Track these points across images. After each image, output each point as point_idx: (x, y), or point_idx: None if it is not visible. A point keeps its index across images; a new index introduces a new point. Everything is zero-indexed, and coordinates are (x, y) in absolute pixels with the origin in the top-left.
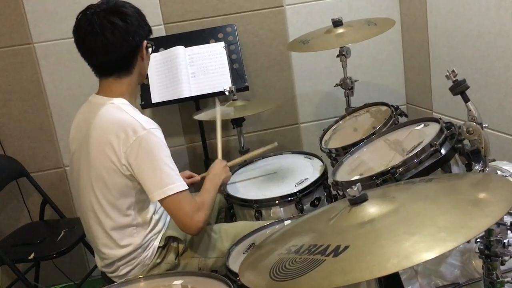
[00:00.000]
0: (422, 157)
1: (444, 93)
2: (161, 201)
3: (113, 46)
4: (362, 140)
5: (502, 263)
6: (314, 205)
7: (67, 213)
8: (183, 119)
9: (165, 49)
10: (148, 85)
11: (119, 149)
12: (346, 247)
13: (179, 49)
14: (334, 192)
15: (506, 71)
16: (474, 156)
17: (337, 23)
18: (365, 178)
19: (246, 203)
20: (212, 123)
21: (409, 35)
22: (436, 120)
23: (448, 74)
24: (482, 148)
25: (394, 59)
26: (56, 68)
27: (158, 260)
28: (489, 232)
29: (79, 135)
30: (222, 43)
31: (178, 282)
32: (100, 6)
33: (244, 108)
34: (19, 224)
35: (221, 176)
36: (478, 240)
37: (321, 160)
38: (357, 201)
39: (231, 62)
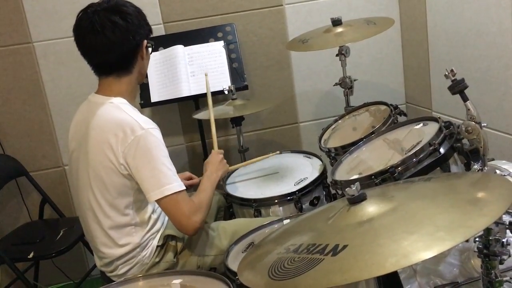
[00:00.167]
0: (421, 156)
1: (444, 92)
2: (158, 201)
3: (114, 45)
4: (361, 139)
5: (501, 262)
6: (313, 204)
7: (66, 212)
8: (183, 118)
9: (165, 48)
10: (147, 84)
11: (117, 148)
12: (344, 246)
13: (179, 48)
14: (333, 191)
15: (505, 70)
16: (473, 155)
17: (336, 22)
18: (364, 177)
19: (245, 202)
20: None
21: (409, 35)
22: (435, 120)
23: (447, 73)
24: (481, 147)
25: (394, 59)
26: (56, 67)
27: (157, 259)
28: (487, 231)
29: (78, 134)
30: (222, 42)
31: (177, 281)
32: (101, 5)
33: (244, 107)
34: (18, 223)
35: (218, 171)
36: (477, 239)
37: (320, 159)
38: (356, 200)
39: (230, 61)
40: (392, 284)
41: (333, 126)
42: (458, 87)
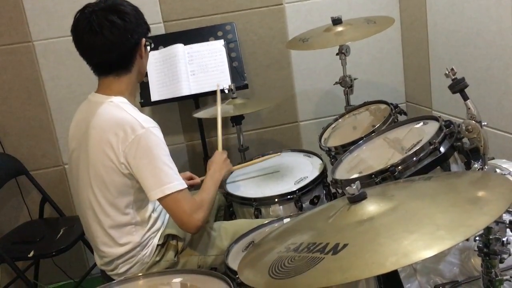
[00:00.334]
0: (421, 155)
1: (444, 91)
2: (160, 200)
3: (112, 45)
4: (361, 138)
5: (501, 261)
6: (313, 203)
7: (66, 211)
8: (183, 117)
9: (165, 47)
10: (147, 83)
11: (117, 147)
12: (345, 245)
13: (179, 47)
14: (333, 190)
15: (505, 69)
16: (473, 154)
17: (336, 21)
18: (364, 176)
19: (246, 201)
20: (212, 121)
21: (409, 34)
22: (435, 119)
23: (447, 72)
24: (481, 146)
25: (394, 58)
26: (56, 66)
27: (157, 258)
28: (488, 230)
29: (78, 134)
30: (222, 41)
31: (177, 280)
32: (98, 5)
33: (244, 106)
34: (18, 222)
35: (221, 171)
36: (477, 238)
37: (321, 158)
38: (356, 199)
39: (230, 60)
40: (392, 283)
41: (333, 125)
42: (458, 86)
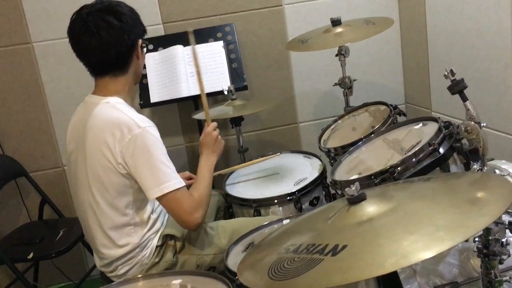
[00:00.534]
0: (420, 156)
1: (443, 93)
2: (158, 198)
3: (109, 45)
4: (360, 140)
5: (501, 262)
6: (313, 204)
7: (66, 213)
8: (182, 118)
9: (164, 48)
10: (147, 85)
11: (114, 147)
12: (344, 246)
13: (178, 48)
14: (333, 192)
15: (504, 70)
16: (473, 155)
17: (335, 22)
18: (364, 177)
19: (245, 203)
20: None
21: (408, 35)
22: (435, 120)
23: (446, 73)
24: (480, 147)
25: (393, 59)
26: (55, 67)
27: (157, 259)
28: (487, 231)
29: (75, 135)
30: (221, 43)
31: (176, 281)
32: (94, 6)
33: (243, 107)
34: (18, 224)
35: (215, 152)
36: (477, 239)
37: (320, 160)
38: (356, 200)
39: (230, 61)
40: (391, 284)
41: (332, 126)
42: (457, 87)
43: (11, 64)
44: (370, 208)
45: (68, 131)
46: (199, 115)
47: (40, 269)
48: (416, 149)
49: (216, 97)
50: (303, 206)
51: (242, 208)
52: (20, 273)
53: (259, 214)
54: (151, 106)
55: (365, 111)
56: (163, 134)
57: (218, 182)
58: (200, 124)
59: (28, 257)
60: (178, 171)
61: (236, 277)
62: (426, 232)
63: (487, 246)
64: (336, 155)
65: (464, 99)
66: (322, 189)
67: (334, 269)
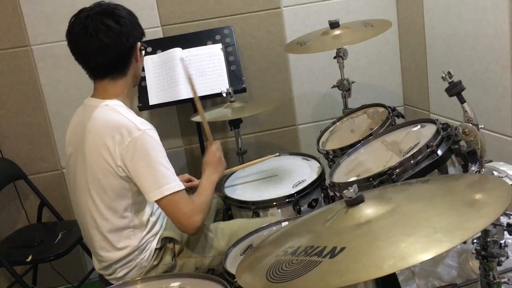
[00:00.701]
0: (418, 158)
1: (441, 94)
2: (158, 201)
3: (108, 48)
4: (359, 141)
5: (499, 264)
6: (311, 206)
7: (64, 215)
8: (181, 121)
9: (163, 51)
10: (145, 87)
11: (114, 150)
12: (342, 249)
13: (177, 51)
14: (331, 194)
15: (502, 72)
16: (471, 157)
17: (334, 24)
18: (362, 179)
19: (244, 205)
20: (211, 124)
21: (406, 37)
22: (433, 121)
23: (444, 75)
24: (478, 149)
25: (391, 61)
26: (54, 70)
27: (155, 262)
28: (485, 233)
29: (74, 138)
30: (220, 45)
31: (175, 284)
32: (93, 9)
33: (242, 109)
34: (16, 227)
35: (217, 171)
36: (475, 241)
37: (319, 162)
38: (354, 202)
39: (228, 63)
40: (390, 286)
41: (331, 128)
42: (455, 89)
43: (10, 67)
44: (368, 210)
45: (67, 134)
46: (198, 118)
47: (39, 272)
48: (414, 151)
49: (214, 99)
50: (302, 208)
51: (241, 210)
52: (19, 276)
53: (258, 216)
54: (149, 108)
55: (364, 113)
56: (162, 136)
57: (217, 184)
58: (199, 127)
59: (27, 260)
60: (177, 173)
61: (235, 280)
62: (424, 234)
63: (485, 248)
64: (334, 157)
65: (462, 101)
66: (320, 191)
67: (332, 271)
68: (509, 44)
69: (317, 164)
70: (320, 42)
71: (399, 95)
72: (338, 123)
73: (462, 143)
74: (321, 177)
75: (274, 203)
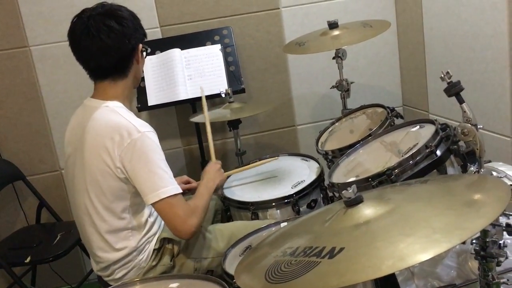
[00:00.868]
0: (417, 158)
1: (440, 95)
2: (154, 204)
3: (109, 49)
4: (358, 142)
5: (498, 264)
6: (310, 207)
7: (63, 217)
8: (180, 121)
9: (162, 51)
10: (144, 88)
11: (113, 152)
12: (341, 249)
13: (176, 51)
14: (330, 194)
15: (501, 72)
16: (469, 157)
17: (332, 25)
18: (361, 179)
19: (243, 205)
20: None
21: (405, 37)
22: (432, 122)
23: (442, 75)
24: (477, 149)
25: (390, 61)
26: (52, 71)
27: (154, 263)
28: (484, 233)
29: (74, 139)
30: (219, 46)
31: (174, 285)
32: (95, 10)
33: (241, 110)
34: (15, 228)
35: (215, 180)
36: (474, 241)
37: (318, 162)
38: (353, 202)
39: (227, 64)
40: (389, 286)
41: (330, 129)
42: (454, 89)
43: (9, 67)
44: (367, 210)
45: (66, 135)
46: (197, 118)
47: (37, 273)
48: (413, 152)
49: (213, 100)
50: (301, 209)
51: (240, 211)
52: (17, 277)
53: (257, 217)
54: (148, 109)
55: (363, 113)
56: (161, 137)
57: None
58: (198, 128)
59: (26, 261)
60: (176, 174)
61: (234, 280)
62: (423, 234)
63: (484, 248)
64: (333, 157)
65: (461, 101)
66: (320, 192)
67: (331, 271)
68: (507, 44)
69: (316, 165)
70: (319, 42)
71: (398, 96)
72: (337, 124)
73: (461, 143)
74: (320, 177)
75: (273, 204)
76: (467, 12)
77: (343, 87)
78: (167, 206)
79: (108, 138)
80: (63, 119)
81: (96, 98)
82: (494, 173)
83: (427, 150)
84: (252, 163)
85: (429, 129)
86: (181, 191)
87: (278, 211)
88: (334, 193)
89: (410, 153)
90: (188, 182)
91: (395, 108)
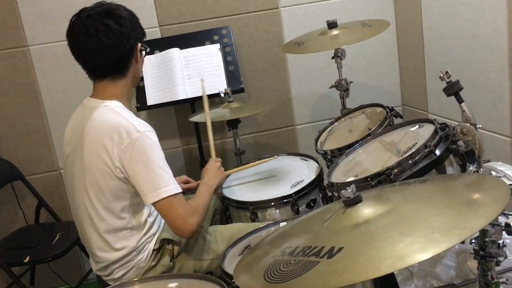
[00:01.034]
0: (416, 158)
1: (439, 94)
2: (154, 203)
3: (108, 49)
4: (357, 142)
5: (497, 264)
6: (309, 206)
7: (62, 216)
8: (179, 121)
9: (161, 51)
10: (143, 88)
11: (113, 151)
12: (340, 249)
13: (175, 51)
14: (329, 194)
15: (500, 72)
16: (469, 157)
17: (332, 25)
18: (360, 179)
19: (242, 205)
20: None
21: (404, 37)
22: (431, 121)
23: (442, 75)
24: (476, 149)
25: (389, 61)
26: (51, 70)
27: (153, 263)
28: (483, 232)
29: (73, 139)
30: (218, 45)
31: (173, 284)
32: (94, 9)
33: (240, 110)
34: (14, 228)
35: (216, 178)
36: (473, 240)
37: (317, 162)
38: (352, 202)
39: (226, 64)
40: (389, 286)
41: (329, 129)
42: (453, 89)
43: (7, 67)
44: (366, 210)
45: (66, 134)
46: (196, 118)
47: (36, 273)
48: (413, 151)
49: (213, 99)
50: (300, 209)
51: (239, 210)
52: (16, 277)
53: (256, 217)
54: (147, 109)
55: (362, 113)
56: (160, 137)
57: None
58: (197, 127)
59: (25, 261)
60: (175, 174)
61: (233, 280)
62: (422, 234)
63: (483, 247)
64: (332, 157)
65: (460, 101)
66: (319, 192)
67: (330, 271)
68: (506, 44)
69: (315, 165)
70: (318, 42)
71: (397, 95)
72: (336, 123)
73: (460, 143)
74: (319, 177)
75: (272, 204)
76: (466, 11)
77: (342, 86)
78: (167, 205)
79: (107, 138)
80: (62, 119)
81: (95, 98)
82: (493, 173)
83: (426, 150)
84: (251, 162)
85: (428, 129)
86: (181, 190)
87: (277, 210)
88: (333, 192)
89: (409, 152)
90: (187, 182)
91: (394, 108)
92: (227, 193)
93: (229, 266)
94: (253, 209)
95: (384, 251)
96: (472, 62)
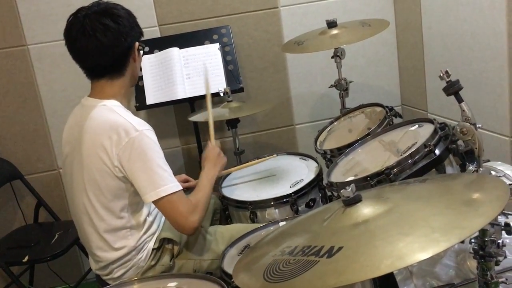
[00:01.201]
0: (416, 157)
1: (439, 94)
2: (155, 202)
3: (106, 48)
4: (357, 141)
5: (497, 264)
6: (309, 206)
7: (61, 216)
8: (178, 120)
9: (160, 50)
10: (142, 87)
11: (111, 151)
12: (340, 248)
13: (174, 50)
14: (329, 193)
15: (499, 71)
16: (468, 157)
17: (331, 24)
18: (360, 179)
19: (241, 205)
20: (207, 124)
21: (404, 36)
22: (430, 121)
23: (441, 74)
24: (476, 148)
25: (389, 60)
26: (50, 70)
27: (153, 262)
28: (483, 232)
29: (71, 138)
30: (217, 45)
31: (172, 284)
32: (91, 8)
33: (239, 109)
34: (13, 227)
35: (216, 167)
36: (473, 240)
37: (316, 161)
38: (351, 202)
39: (225, 63)
40: (388, 286)
41: (328, 128)
42: (452, 89)
43: (6, 66)
44: (366, 209)
45: (64, 134)
46: (195, 117)
47: (35, 273)
48: (412, 151)
49: (212, 99)
50: (299, 208)
51: (238, 210)
52: (15, 276)
53: (255, 216)
54: (147, 108)
55: (361, 112)
56: (159, 136)
57: (214, 185)
58: (197, 127)
59: (24, 261)
60: (175, 173)
61: (232, 280)
62: (421, 233)
63: (483, 247)
64: (332, 156)
65: (460, 100)
66: (318, 191)
67: (330, 271)
68: (506, 43)
69: (315, 164)
70: (318, 41)
71: (396, 95)
72: (335, 123)
73: (460, 142)
74: (318, 177)
75: (272, 203)
76: (465, 11)
77: (341, 86)
78: (168, 204)
79: (106, 137)
80: (61, 118)
81: (94, 97)
82: (493, 172)
83: (426, 149)
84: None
85: (428, 128)
86: (181, 188)
87: (277, 210)
88: (333, 192)
89: (409, 152)
90: (186, 181)
91: (394, 107)
92: (226, 192)
93: (229, 266)
94: (253, 208)
95: (384, 250)
96: (471, 62)
